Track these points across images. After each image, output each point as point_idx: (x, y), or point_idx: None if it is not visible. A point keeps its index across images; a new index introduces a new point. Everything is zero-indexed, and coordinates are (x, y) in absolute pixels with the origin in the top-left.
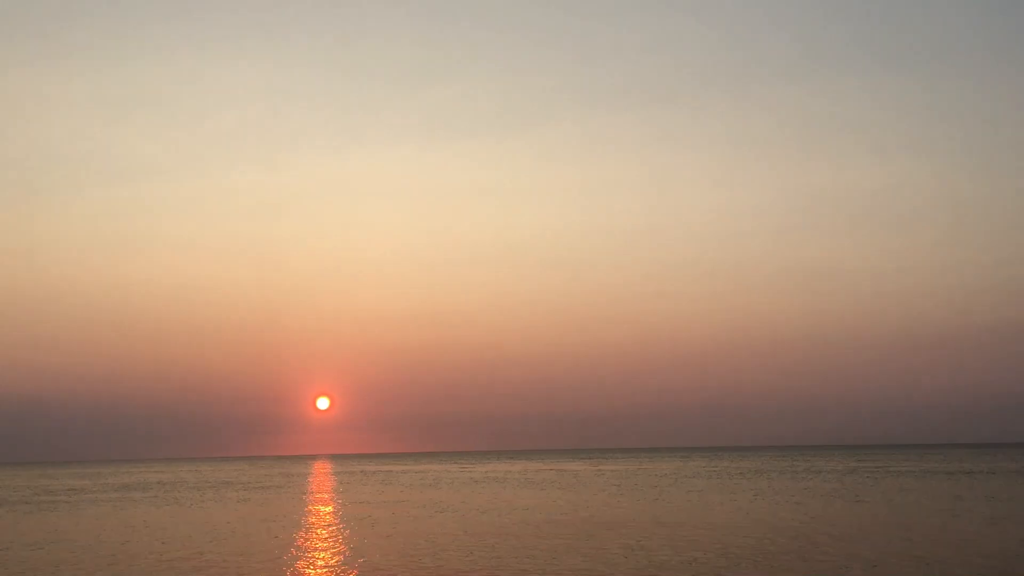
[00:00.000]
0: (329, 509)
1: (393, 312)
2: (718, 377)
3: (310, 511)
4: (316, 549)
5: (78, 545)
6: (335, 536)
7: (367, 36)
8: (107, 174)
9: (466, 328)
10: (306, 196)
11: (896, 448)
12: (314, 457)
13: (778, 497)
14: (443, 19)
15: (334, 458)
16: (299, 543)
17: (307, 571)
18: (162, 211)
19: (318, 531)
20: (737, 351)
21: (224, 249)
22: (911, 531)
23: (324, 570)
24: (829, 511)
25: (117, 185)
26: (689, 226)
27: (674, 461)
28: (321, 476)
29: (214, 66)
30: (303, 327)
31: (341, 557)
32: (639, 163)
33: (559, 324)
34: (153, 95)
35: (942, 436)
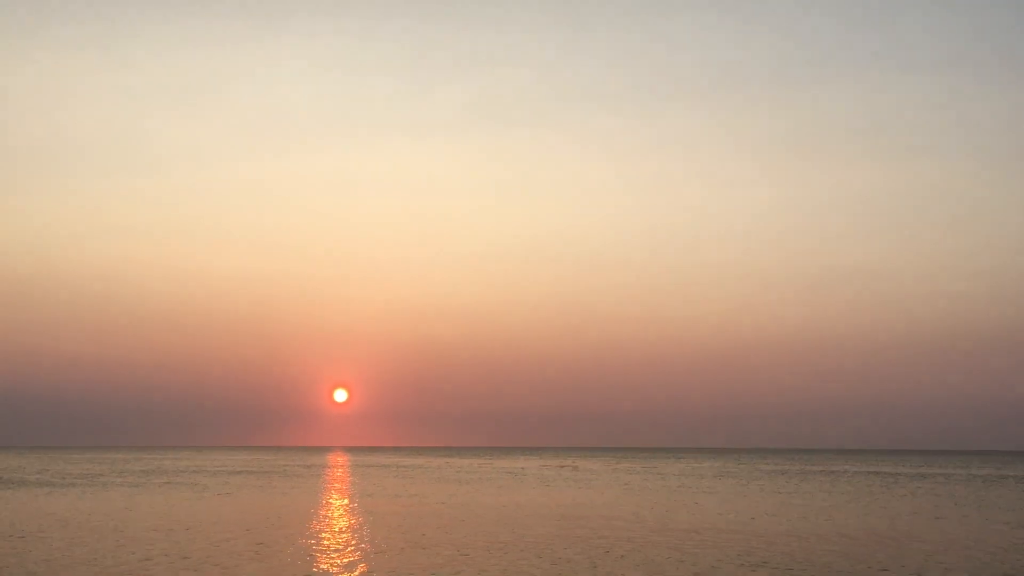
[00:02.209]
0: (343, 502)
1: (413, 306)
2: (737, 380)
3: (324, 502)
4: (328, 540)
5: (86, 527)
6: (347, 527)
7: (380, 30)
8: (125, 162)
9: (486, 323)
10: (329, 188)
11: (941, 453)
12: (330, 449)
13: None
14: (459, 13)
15: (351, 450)
16: (310, 535)
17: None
18: (184, 200)
19: (328, 522)
20: (757, 353)
21: (246, 240)
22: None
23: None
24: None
25: (136, 174)
26: (712, 226)
27: (702, 460)
28: (337, 468)
29: (233, 54)
30: (322, 318)
31: (359, 548)
32: (672, 160)
33: (578, 321)
34: (170, 86)
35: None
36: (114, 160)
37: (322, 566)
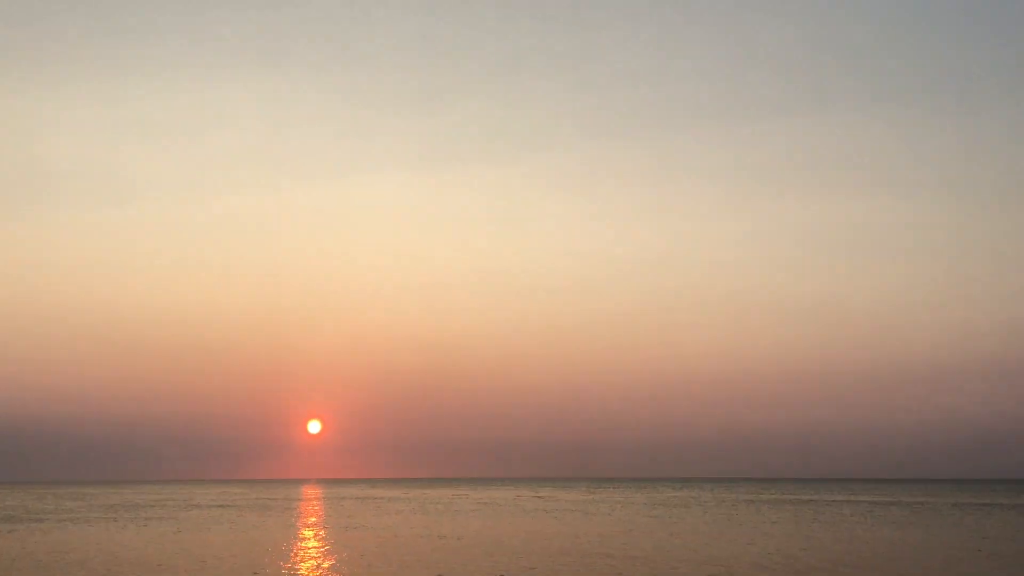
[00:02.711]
0: (316, 533)
1: (388, 337)
2: (722, 408)
3: (296, 536)
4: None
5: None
6: (319, 558)
7: (366, 61)
8: (103, 194)
9: (461, 354)
10: (302, 220)
11: (914, 482)
12: (305, 481)
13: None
14: (442, 45)
15: (325, 482)
16: (282, 568)
17: None
18: (156, 233)
19: (299, 554)
20: (741, 382)
21: (217, 272)
22: None
23: None
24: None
25: (112, 205)
26: (691, 255)
27: (685, 489)
28: (310, 501)
29: (213, 88)
30: (294, 350)
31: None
32: (641, 191)
33: (556, 352)
34: (151, 116)
35: (939, 470)
36: (88, 192)
37: None
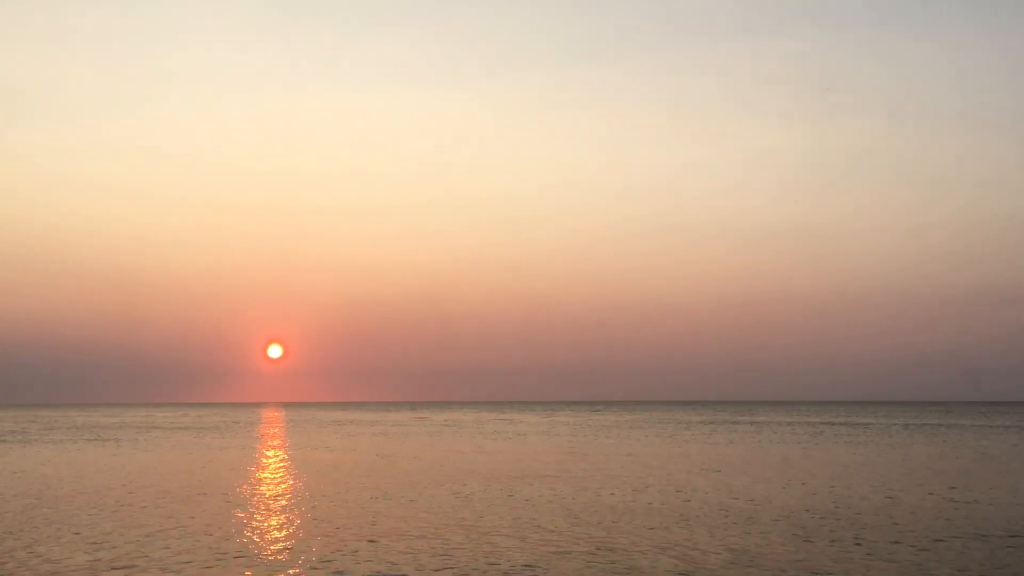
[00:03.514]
0: (278, 454)
1: (352, 263)
2: (672, 333)
3: (258, 455)
4: (265, 495)
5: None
6: (283, 480)
7: None
8: (50, 111)
9: (425, 280)
10: (265, 142)
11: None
12: (264, 405)
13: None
14: None
15: (285, 406)
16: (246, 487)
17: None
18: (110, 152)
19: (261, 473)
20: (692, 307)
21: (177, 196)
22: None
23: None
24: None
25: (61, 123)
26: (645, 182)
27: (627, 413)
28: (270, 423)
29: (175, 3)
30: (256, 275)
31: (287, 500)
32: (598, 117)
33: (516, 278)
34: (108, 32)
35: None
36: (41, 109)
37: (257, 515)
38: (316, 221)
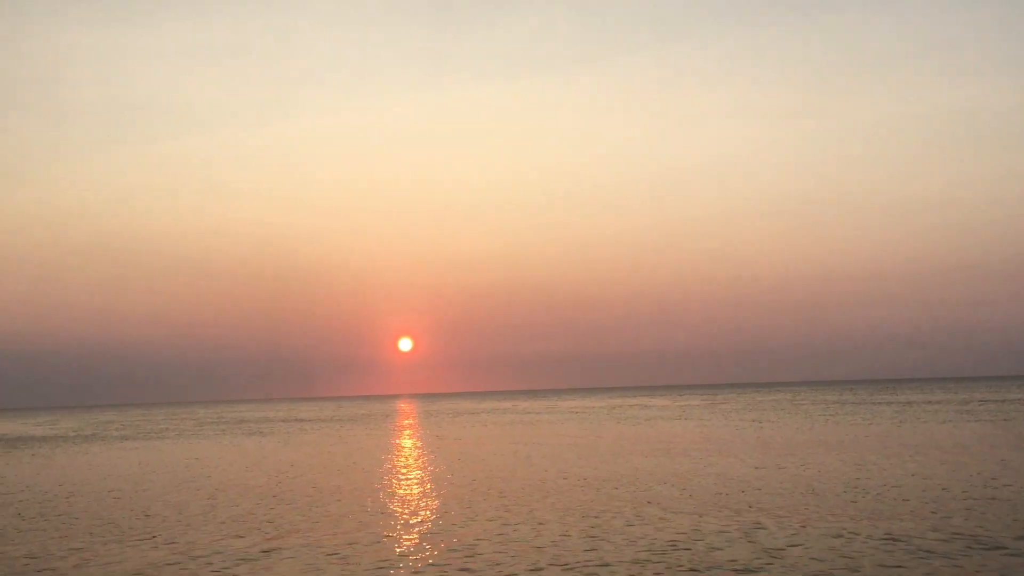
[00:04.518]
0: (415, 443)
1: (471, 253)
2: (804, 311)
3: (396, 443)
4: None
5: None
6: (425, 466)
7: None
8: (190, 123)
9: (541, 269)
10: (387, 139)
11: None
12: (398, 397)
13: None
14: None
15: (418, 397)
16: (385, 474)
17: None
18: (244, 158)
19: (403, 459)
20: (813, 283)
21: (308, 196)
22: None
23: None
24: None
25: (198, 133)
26: (754, 159)
27: (775, 394)
28: (405, 415)
29: (279, 12)
30: (383, 271)
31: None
32: (714, 94)
33: (637, 264)
34: (235, 46)
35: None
36: (181, 121)
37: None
38: (443, 218)
